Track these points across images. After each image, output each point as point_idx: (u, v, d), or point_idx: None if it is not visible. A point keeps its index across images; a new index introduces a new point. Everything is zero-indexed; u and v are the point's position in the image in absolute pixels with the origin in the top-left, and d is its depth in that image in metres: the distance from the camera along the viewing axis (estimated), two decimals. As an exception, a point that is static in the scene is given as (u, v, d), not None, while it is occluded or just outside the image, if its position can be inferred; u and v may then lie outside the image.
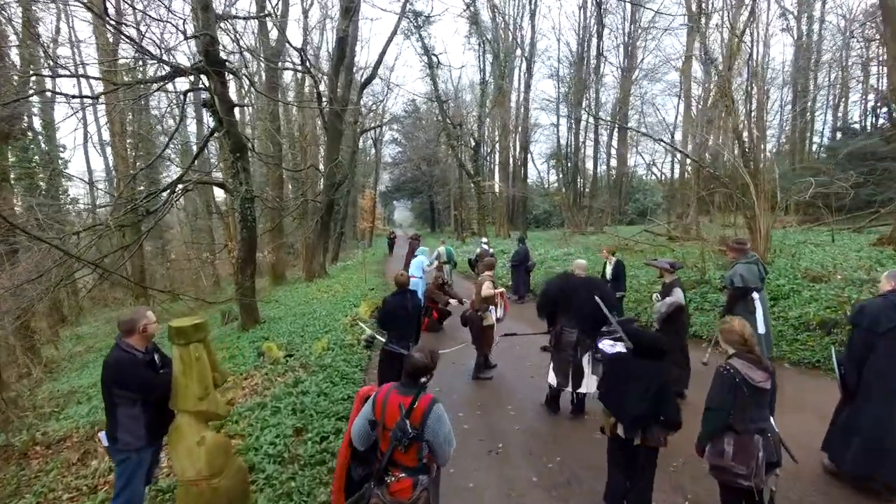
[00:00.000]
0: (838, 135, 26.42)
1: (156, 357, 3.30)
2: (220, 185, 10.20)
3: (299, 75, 20.48)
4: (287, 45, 13.49)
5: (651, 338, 3.28)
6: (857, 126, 26.15)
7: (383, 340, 5.19)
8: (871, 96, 26.82)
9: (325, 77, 16.66)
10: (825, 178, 10.19)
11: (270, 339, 8.53)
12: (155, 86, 9.26)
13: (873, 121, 25.99)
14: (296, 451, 4.37)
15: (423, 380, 2.66)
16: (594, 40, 27.97)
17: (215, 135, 9.38)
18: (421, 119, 36.49)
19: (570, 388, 4.98)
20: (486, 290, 6.21)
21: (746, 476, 2.72)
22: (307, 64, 13.88)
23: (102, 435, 3.19)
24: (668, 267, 5.35)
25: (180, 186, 9.21)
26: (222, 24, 9.78)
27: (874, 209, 15.81)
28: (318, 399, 5.31)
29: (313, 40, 23.56)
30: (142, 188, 16.20)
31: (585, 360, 4.93)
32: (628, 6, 26.78)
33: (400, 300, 4.99)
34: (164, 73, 8.79)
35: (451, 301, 8.32)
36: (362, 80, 19.49)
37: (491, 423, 5.11)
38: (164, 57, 8.59)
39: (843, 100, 27.49)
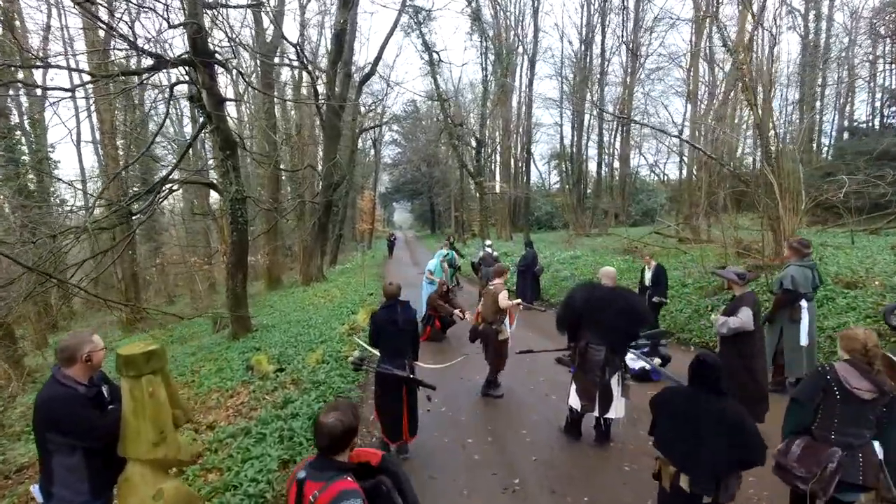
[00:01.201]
0: (845, 135, 25.88)
1: (104, 390, 2.69)
2: (210, 185, 9.61)
3: (296, 74, 19.92)
4: (283, 39, 12.91)
5: (701, 361, 2.66)
6: (864, 126, 25.62)
7: (373, 362, 4.61)
8: (878, 95, 26.31)
9: (323, 74, 16.08)
10: (858, 177, 9.59)
11: (262, 349, 7.94)
12: (139, 78, 8.64)
13: (881, 120, 25.47)
14: (281, 489, 3.77)
15: (340, 457, 1.89)
16: (598, 37, 27.45)
17: (204, 131, 8.80)
18: (421, 120, 35.94)
19: (596, 413, 4.38)
20: (504, 301, 5.62)
21: (804, 480, 2.56)
22: (304, 60, 13.30)
23: (35, 489, 2.59)
24: (736, 278, 4.58)
25: (166, 186, 8.62)
26: (218, 20, 9.20)
27: (891, 210, 15.26)
28: (309, 424, 4.70)
29: (311, 38, 23.04)
30: (135, 189, 15.62)
31: (614, 382, 4.33)
32: (632, 2, 26.28)
33: (388, 314, 4.34)
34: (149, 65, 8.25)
35: (455, 311, 7.75)
36: (361, 77, 18.90)
37: (504, 452, 4.51)
38: (151, 48, 8.04)
39: (850, 99, 26.93)
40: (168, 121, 23.93)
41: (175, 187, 8.78)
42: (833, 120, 27.34)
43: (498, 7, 25.08)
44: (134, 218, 8.18)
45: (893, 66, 23.71)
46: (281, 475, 3.95)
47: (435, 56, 21.51)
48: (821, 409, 2.64)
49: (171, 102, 19.36)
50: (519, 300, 6.07)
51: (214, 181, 9.55)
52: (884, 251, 10.63)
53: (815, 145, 26.80)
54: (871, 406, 2.55)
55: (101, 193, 7.97)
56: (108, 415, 2.61)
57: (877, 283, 7.24)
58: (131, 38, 7.75)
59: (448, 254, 10.91)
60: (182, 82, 8.47)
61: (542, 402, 5.66)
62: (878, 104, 25.89)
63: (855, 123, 26.19)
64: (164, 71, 10.11)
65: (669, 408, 2.72)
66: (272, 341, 8.31)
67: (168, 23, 7.82)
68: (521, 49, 27.52)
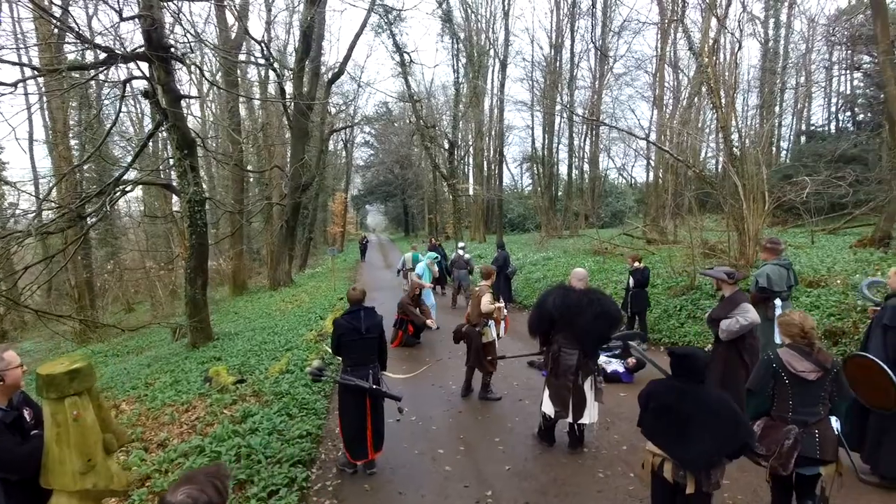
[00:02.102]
0: (802, 139, 26.90)
1: (25, 413, 2.39)
2: (165, 186, 9.16)
3: (262, 72, 19.38)
4: (247, 34, 12.48)
5: (684, 353, 2.74)
6: (821, 130, 26.68)
7: (330, 373, 4.38)
8: (834, 100, 27.46)
9: (291, 73, 15.66)
10: (820, 177, 9.86)
11: (223, 359, 7.56)
12: (90, 74, 8.15)
13: (837, 125, 26.59)
14: (236, 513, 3.50)
15: None
16: (567, 42, 27.77)
17: (161, 129, 8.35)
18: (393, 121, 35.63)
19: (570, 419, 4.25)
20: (486, 304, 5.49)
21: (765, 457, 2.70)
22: (269, 58, 12.89)
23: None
24: (726, 278, 4.41)
25: (119, 188, 8.12)
26: (178, 15, 8.76)
27: (847, 211, 15.87)
28: (269, 439, 4.43)
29: (280, 37, 22.54)
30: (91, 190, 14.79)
31: (588, 386, 4.22)
32: (600, 8, 26.70)
33: (352, 320, 4.07)
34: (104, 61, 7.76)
35: (428, 322, 7.62)
36: (330, 76, 18.52)
37: (477, 462, 4.33)
38: (110, 43, 7.57)
39: (807, 104, 28.02)
40: (129, 120, 23.07)
41: (128, 188, 8.29)
42: (792, 124, 28.39)
43: (469, 10, 25.08)
44: (81, 220, 7.65)
45: (848, 72, 24.77)
46: (235, 497, 3.68)
47: (406, 57, 21.32)
48: (775, 394, 2.81)
49: (134, 101, 18.59)
50: (502, 304, 5.90)
51: (171, 182, 9.09)
52: (842, 250, 10.97)
53: (774, 149, 27.72)
54: (818, 384, 2.70)
55: (48, 195, 7.42)
56: (30, 442, 2.31)
57: (839, 281, 7.40)
58: (83, 31, 7.32)
59: (436, 256, 10.65)
60: (136, 78, 8.01)
61: (515, 408, 5.51)
62: (833, 109, 26.98)
63: (812, 127, 27.24)
64: (124, 67, 9.59)
65: (658, 400, 2.76)
66: (234, 350, 7.93)
67: (120, 15, 7.41)
68: (492, 52, 27.61)
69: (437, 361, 7.42)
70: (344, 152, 39.14)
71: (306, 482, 3.98)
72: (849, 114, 25.19)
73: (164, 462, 4.20)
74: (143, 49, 7.61)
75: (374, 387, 4.04)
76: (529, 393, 5.87)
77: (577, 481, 3.95)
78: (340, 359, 4.32)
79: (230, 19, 15.16)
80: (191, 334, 8.80)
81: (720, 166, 20.75)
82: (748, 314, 4.17)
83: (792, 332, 2.81)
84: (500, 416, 5.30)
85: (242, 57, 14.83)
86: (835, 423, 2.76)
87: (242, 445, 4.27)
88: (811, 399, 2.73)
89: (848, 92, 25.40)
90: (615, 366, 6.08)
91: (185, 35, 7.60)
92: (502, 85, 27.54)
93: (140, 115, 22.32)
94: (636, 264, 7.77)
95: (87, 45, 6.85)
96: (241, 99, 16.22)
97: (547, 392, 4.38)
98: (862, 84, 23.99)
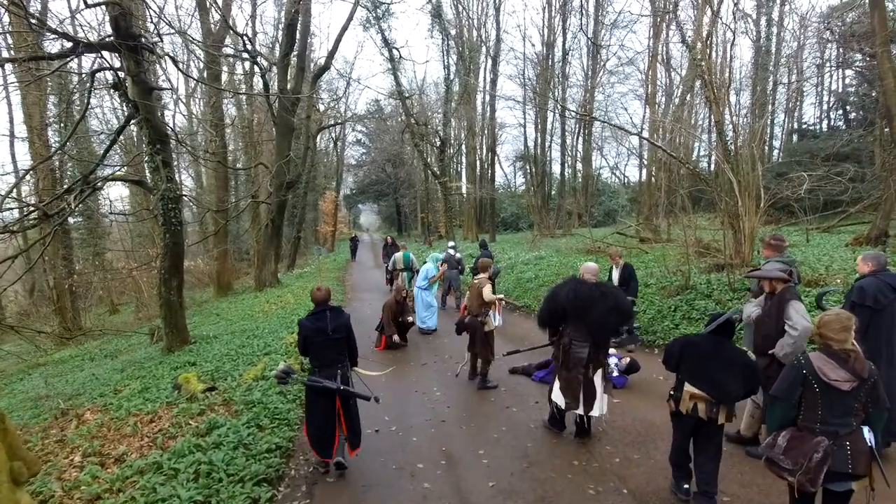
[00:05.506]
0: (794, 137, 26.81)
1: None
2: (137, 182, 8.75)
3: (248, 67, 18.93)
4: (227, 26, 12.06)
5: (728, 318, 3.36)
6: (813, 128, 26.60)
7: (297, 376, 4.20)
8: (826, 98, 27.40)
9: (275, 67, 15.23)
10: (817, 173, 9.60)
11: (198, 364, 7.18)
12: (56, 64, 7.72)
13: (828, 123, 26.52)
14: (189, 540, 3.15)
15: None
16: (559, 39, 27.52)
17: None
18: (385, 120, 35.23)
19: (580, 411, 4.23)
20: (488, 293, 5.86)
21: (791, 472, 2.51)
22: (250, 51, 12.47)
23: None
24: (784, 276, 3.79)
25: (89, 184, 7.72)
26: (163, 7, 8.33)
27: (842, 209, 15.69)
28: (234, 454, 4.07)
29: (267, 32, 22.11)
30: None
31: (598, 379, 4.20)
32: (592, 4, 26.48)
33: (317, 321, 3.96)
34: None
35: (410, 318, 7.42)
36: (315, 71, 18.09)
37: (459, 478, 4.00)
38: (85, 34, 7.17)
39: (798, 103, 27.92)
40: (115, 118, 22.52)
41: (99, 185, 7.89)
42: (784, 122, 28.30)
43: (460, 6, 24.73)
44: (48, 219, 7.24)
45: (840, 69, 24.69)
46: (191, 522, 3.33)
47: (395, 53, 20.94)
48: (803, 402, 2.59)
49: (119, 96, 18.07)
50: (502, 295, 6.28)
51: (144, 178, 8.69)
52: (839, 248, 10.79)
53: (766, 147, 27.58)
54: (851, 395, 2.48)
55: (9, 193, 7.01)
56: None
57: (839, 280, 7.16)
58: (54, 22, 6.91)
59: (440, 258, 10.33)
60: (105, 69, 7.61)
61: (502, 416, 5.19)
62: (825, 107, 26.91)
63: (804, 126, 27.16)
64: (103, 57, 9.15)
65: (698, 349, 3.35)
66: (209, 355, 7.54)
67: (85, 2, 7.01)
68: (484, 49, 27.29)
69: (422, 366, 7.11)
70: (335, 151, 38.71)
71: (271, 502, 3.64)
72: (840, 112, 25.12)
73: (118, 480, 3.84)
74: (110, 38, 7.23)
75: (343, 387, 3.93)
76: (517, 400, 5.57)
77: (566, 499, 3.64)
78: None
79: (216, 16, 14.76)
80: (166, 338, 8.41)
81: (713, 165, 20.62)
82: (797, 322, 3.50)
83: (816, 334, 2.64)
84: (485, 427, 4.98)
85: (224, 51, 14.41)
86: (867, 434, 2.53)
87: (203, 462, 3.91)
88: (843, 409, 2.50)
89: (840, 90, 25.32)
90: (628, 360, 5.81)
91: (154, 23, 7.18)
92: (494, 82, 27.27)
93: (88, 102, 21.75)
94: (619, 260, 7.49)
95: (40, 30, 6.41)
96: (227, 94, 15.80)
97: (557, 384, 4.35)
98: (854, 82, 23.92)
